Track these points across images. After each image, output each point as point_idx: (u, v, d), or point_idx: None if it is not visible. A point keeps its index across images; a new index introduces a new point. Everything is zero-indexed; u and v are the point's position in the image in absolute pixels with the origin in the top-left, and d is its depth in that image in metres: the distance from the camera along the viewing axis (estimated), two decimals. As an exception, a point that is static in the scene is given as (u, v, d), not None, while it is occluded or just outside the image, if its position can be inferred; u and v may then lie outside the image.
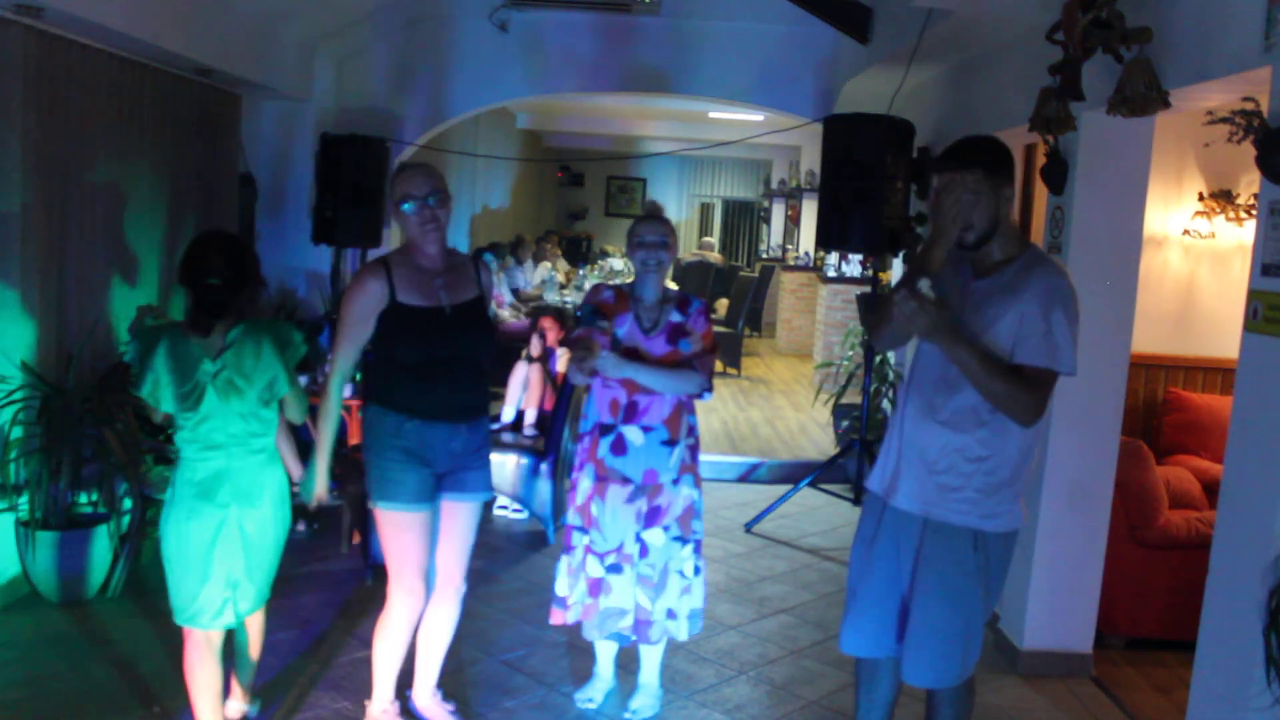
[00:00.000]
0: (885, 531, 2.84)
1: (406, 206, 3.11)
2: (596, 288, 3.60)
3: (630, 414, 3.43)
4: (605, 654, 3.73)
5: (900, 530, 2.79)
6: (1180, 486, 4.48)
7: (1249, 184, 5.02)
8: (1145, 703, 3.93)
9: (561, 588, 3.60)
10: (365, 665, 3.72)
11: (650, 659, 3.67)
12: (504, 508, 5.88)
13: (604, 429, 3.46)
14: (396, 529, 3.16)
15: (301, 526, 5.31)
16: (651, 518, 3.46)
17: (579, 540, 3.54)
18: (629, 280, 3.74)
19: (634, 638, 3.57)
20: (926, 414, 2.73)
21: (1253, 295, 2.78)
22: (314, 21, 6.62)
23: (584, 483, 3.52)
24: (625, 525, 3.45)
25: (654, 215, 3.59)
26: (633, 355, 3.42)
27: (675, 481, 3.48)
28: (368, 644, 3.89)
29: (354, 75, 7.21)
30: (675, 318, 3.50)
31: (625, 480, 3.44)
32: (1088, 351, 3.95)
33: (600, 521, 3.47)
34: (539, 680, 3.86)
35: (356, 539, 5.09)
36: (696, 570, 3.58)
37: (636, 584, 3.49)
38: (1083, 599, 4.08)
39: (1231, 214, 5.09)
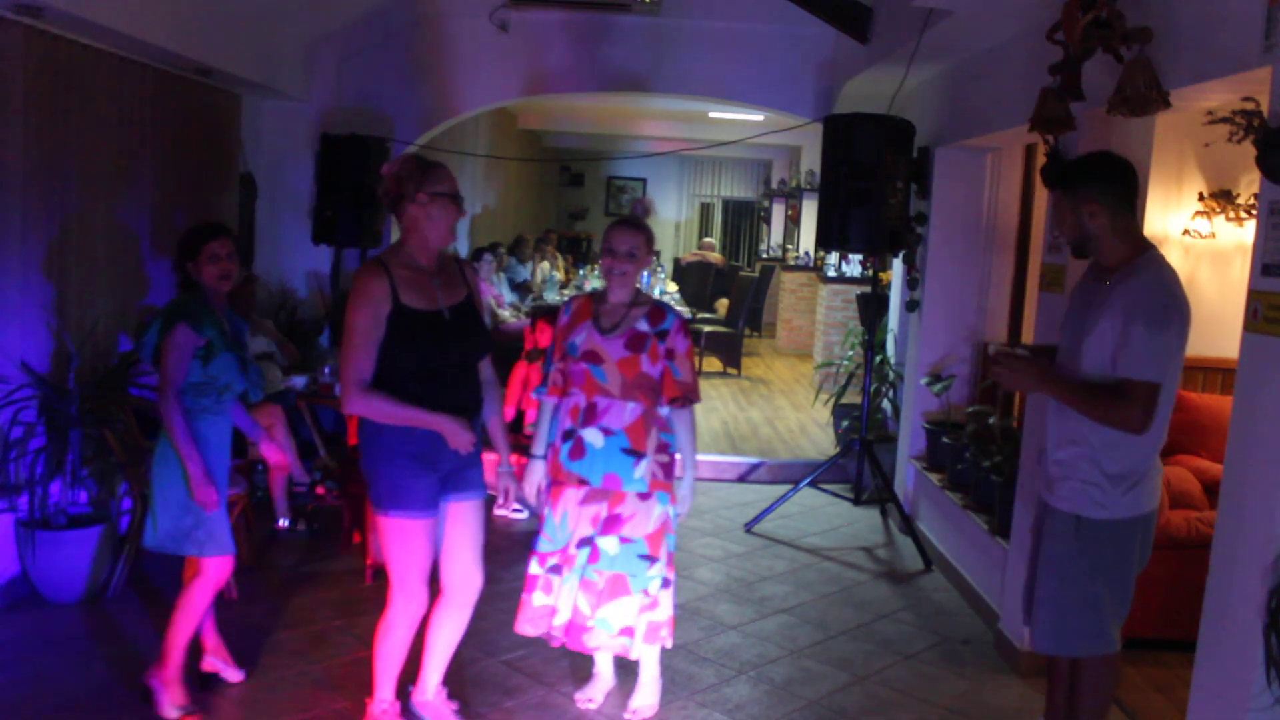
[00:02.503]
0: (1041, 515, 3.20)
1: (437, 202, 3.06)
2: (560, 312, 3.55)
3: (590, 416, 3.38)
4: (605, 654, 3.72)
5: (1040, 512, 3.19)
6: (1180, 486, 4.48)
7: (1249, 184, 5.01)
8: (1145, 703, 3.93)
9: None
10: (365, 665, 3.72)
11: (649, 659, 3.64)
12: (504, 508, 5.87)
13: (565, 434, 3.42)
14: (407, 537, 3.11)
15: (302, 526, 5.32)
16: (609, 525, 3.39)
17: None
18: None
19: (563, 639, 3.50)
20: (1056, 406, 3.06)
21: (1253, 295, 2.77)
22: (314, 21, 6.62)
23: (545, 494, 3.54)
24: (576, 528, 3.41)
25: (631, 221, 3.47)
26: (591, 358, 3.37)
27: (645, 496, 3.39)
28: (368, 644, 3.89)
29: (354, 75, 7.20)
30: (642, 326, 3.40)
31: (581, 482, 3.39)
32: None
33: (549, 524, 3.45)
34: (539, 680, 3.86)
35: (356, 539, 5.09)
36: (665, 583, 3.49)
37: (577, 588, 3.42)
38: (1083, 599, 4.07)
39: (1231, 214, 5.08)
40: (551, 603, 3.48)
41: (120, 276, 5.05)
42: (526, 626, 3.53)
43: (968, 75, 5.43)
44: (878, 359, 6.70)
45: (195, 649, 3.66)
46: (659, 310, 3.45)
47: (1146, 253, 2.96)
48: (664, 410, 3.45)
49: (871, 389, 6.23)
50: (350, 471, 5.06)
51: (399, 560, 3.14)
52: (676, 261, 15.38)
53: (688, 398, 3.43)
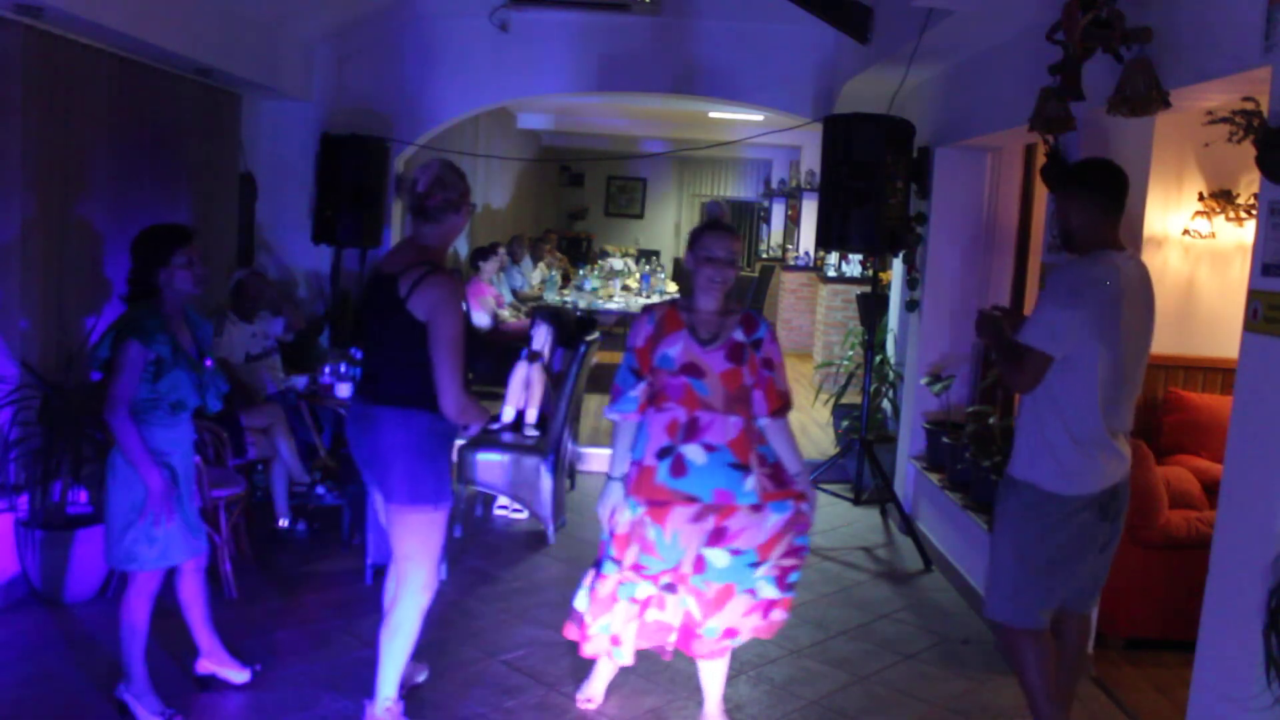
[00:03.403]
0: None
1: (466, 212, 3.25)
2: (638, 323, 3.33)
3: (691, 432, 3.22)
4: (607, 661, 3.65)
5: None
6: (1180, 486, 4.48)
7: (1249, 184, 5.01)
8: (1145, 703, 3.93)
9: (580, 602, 3.46)
10: (365, 665, 3.72)
11: (713, 688, 3.53)
12: (504, 508, 5.87)
13: (661, 452, 3.24)
14: (439, 528, 3.24)
15: (302, 526, 5.31)
16: (715, 537, 3.26)
17: (611, 571, 3.34)
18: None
19: (675, 650, 3.43)
20: None
21: (1253, 295, 2.78)
22: (314, 21, 6.62)
23: (625, 513, 3.29)
24: (688, 545, 3.25)
25: (723, 225, 3.34)
26: (692, 371, 3.23)
27: (758, 509, 3.25)
28: (368, 644, 3.90)
29: (354, 75, 7.21)
30: (739, 336, 3.30)
31: (690, 499, 3.22)
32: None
33: (658, 545, 3.25)
34: (539, 680, 3.86)
35: (356, 539, 5.09)
36: (789, 588, 3.37)
37: (690, 596, 3.32)
38: (1083, 599, 4.08)
39: (1231, 214, 5.08)
40: (667, 619, 3.36)
41: (120, 276, 5.05)
42: (641, 641, 3.41)
43: (968, 75, 5.43)
44: (878, 359, 6.70)
45: (191, 651, 3.66)
46: (750, 318, 3.36)
47: (1103, 250, 3.13)
48: (762, 422, 3.34)
49: (871, 389, 6.22)
50: (350, 471, 5.06)
51: (426, 552, 3.23)
52: (676, 262, 15.37)
53: (785, 407, 3.36)
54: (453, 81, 7.30)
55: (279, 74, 6.38)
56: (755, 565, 3.31)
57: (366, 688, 3.37)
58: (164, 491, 3.25)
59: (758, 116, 9.58)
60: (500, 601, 4.61)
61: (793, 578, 3.40)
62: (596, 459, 6.78)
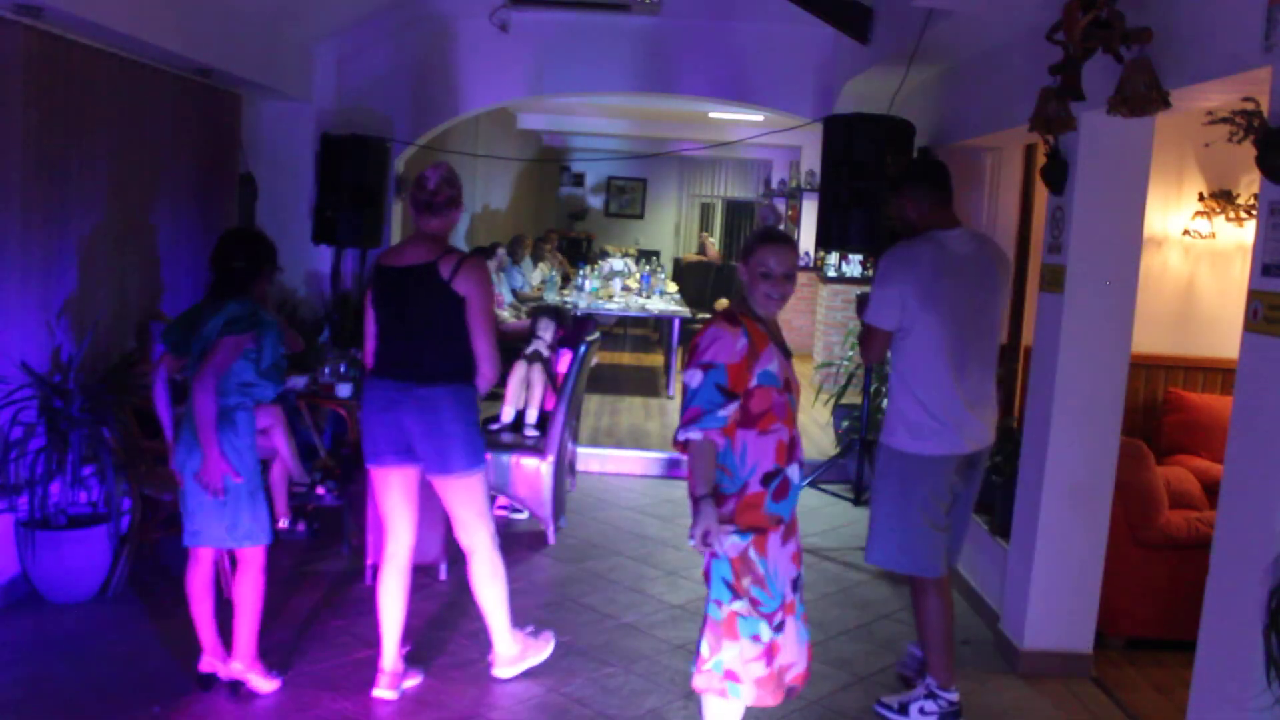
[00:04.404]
0: None
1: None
2: (726, 337, 2.88)
3: (793, 451, 3.06)
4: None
5: None
6: (1180, 486, 4.48)
7: (1249, 184, 5.01)
8: (1145, 703, 3.93)
9: (705, 645, 3.02)
10: (365, 665, 3.73)
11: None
12: (504, 508, 5.87)
13: (767, 477, 2.97)
14: (486, 482, 3.64)
15: (301, 526, 5.31)
16: (799, 555, 3.09)
17: (726, 599, 2.93)
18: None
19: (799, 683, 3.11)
20: None
21: (1253, 295, 2.78)
22: (314, 21, 6.62)
23: (731, 538, 2.91)
24: (784, 576, 2.98)
25: (780, 236, 3.02)
26: (790, 387, 3.08)
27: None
28: (368, 644, 3.91)
29: (354, 75, 7.21)
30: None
31: (779, 521, 2.99)
32: (1087, 351, 3.97)
33: (769, 579, 2.94)
34: (539, 680, 3.86)
35: (356, 539, 5.09)
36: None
37: (798, 622, 3.10)
38: (1083, 599, 4.08)
39: (1231, 214, 5.08)
40: (791, 659, 3.01)
41: (120, 276, 5.05)
42: (767, 698, 2.97)
43: (968, 75, 5.43)
44: (878, 359, 6.69)
45: (193, 650, 3.66)
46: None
47: (932, 230, 3.56)
48: None
49: (871, 389, 6.23)
50: (350, 471, 5.06)
51: (486, 507, 3.65)
52: (676, 262, 15.37)
53: None
54: (453, 81, 7.30)
55: (279, 74, 6.38)
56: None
57: (367, 687, 3.37)
58: (216, 468, 3.38)
59: (758, 116, 9.59)
60: (500, 601, 4.60)
61: None
62: (596, 459, 6.79)
